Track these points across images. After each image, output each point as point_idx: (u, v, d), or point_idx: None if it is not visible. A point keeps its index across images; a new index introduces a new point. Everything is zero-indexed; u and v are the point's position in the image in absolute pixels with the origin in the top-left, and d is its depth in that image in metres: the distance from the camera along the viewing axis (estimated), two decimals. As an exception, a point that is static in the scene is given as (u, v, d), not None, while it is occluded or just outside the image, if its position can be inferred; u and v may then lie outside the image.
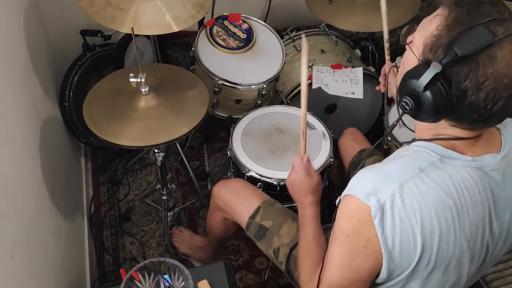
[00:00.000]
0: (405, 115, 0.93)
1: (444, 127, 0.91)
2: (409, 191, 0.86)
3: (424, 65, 0.85)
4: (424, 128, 0.96)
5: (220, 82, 1.77)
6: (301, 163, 1.26)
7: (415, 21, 0.95)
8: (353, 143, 1.68)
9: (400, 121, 0.99)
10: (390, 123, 1.77)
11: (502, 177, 0.93)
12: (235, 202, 1.49)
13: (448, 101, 0.83)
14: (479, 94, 0.81)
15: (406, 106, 0.89)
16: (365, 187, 0.88)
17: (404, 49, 0.94)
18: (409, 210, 0.86)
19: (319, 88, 1.90)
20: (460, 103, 0.83)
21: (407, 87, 0.88)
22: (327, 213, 2.19)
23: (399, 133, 1.75)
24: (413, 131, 1.03)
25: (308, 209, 1.23)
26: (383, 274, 0.92)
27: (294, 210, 1.68)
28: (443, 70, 0.82)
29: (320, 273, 1.00)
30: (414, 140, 0.97)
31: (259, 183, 1.61)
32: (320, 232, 1.21)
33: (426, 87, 0.84)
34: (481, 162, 0.91)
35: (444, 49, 0.82)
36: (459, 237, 0.90)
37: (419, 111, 0.88)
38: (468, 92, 0.81)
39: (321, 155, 1.66)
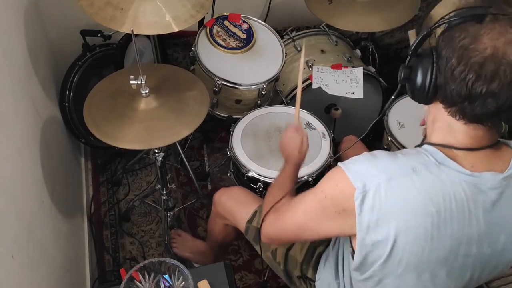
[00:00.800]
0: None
1: (448, 126, 0.91)
2: (395, 187, 0.88)
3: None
4: (435, 127, 0.95)
5: (220, 82, 1.77)
6: (291, 126, 1.40)
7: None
8: (351, 150, 1.68)
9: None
10: (390, 123, 1.77)
11: (498, 197, 0.90)
12: (235, 208, 1.52)
13: (432, 70, 0.86)
14: (453, 59, 0.82)
15: (400, 73, 0.93)
16: (358, 169, 0.91)
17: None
18: (390, 204, 0.87)
19: (319, 88, 1.90)
20: (440, 72, 0.86)
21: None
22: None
23: (399, 133, 1.75)
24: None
25: (294, 158, 1.33)
26: (357, 258, 0.95)
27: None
28: (437, 41, 0.86)
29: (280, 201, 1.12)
30: (423, 143, 0.96)
31: (259, 183, 1.62)
32: (294, 179, 1.30)
33: (414, 51, 0.89)
34: (479, 179, 0.89)
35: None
36: (436, 247, 0.90)
37: (409, 79, 0.91)
38: (447, 58, 0.84)
39: (321, 155, 1.66)
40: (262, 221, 1.16)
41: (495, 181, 0.90)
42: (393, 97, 1.02)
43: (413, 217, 0.87)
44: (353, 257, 0.98)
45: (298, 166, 1.34)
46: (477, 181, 0.89)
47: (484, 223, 0.91)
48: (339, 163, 0.95)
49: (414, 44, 0.89)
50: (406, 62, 0.91)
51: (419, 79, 0.89)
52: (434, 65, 0.86)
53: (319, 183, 0.99)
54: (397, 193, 0.87)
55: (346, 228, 0.94)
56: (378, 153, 0.94)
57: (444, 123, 0.92)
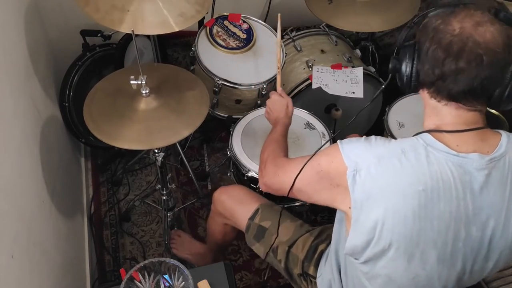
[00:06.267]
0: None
1: (435, 110, 0.96)
2: (384, 168, 0.92)
3: None
4: (426, 113, 0.99)
5: (220, 82, 1.77)
6: (275, 92, 1.53)
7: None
8: None
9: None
10: (390, 123, 1.77)
11: (485, 179, 0.92)
12: (235, 206, 1.52)
13: (413, 57, 0.94)
14: (426, 42, 0.91)
15: (390, 65, 1.01)
16: (352, 149, 0.97)
17: None
18: (379, 184, 0.92)
19: (319, 88, 1.90)
20: (420, 58, 0.93)
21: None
22: (327, 213, 2.20)
23: (399, 133, 1.75)
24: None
25: (282, 119, 1.45)
26: (351, 240, 0.98)
27: (293, 210, 1.69)
28: (416, 31, 0.95)
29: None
30: (416, 133, 0.99)
31: (259, 183, 1.61)
32: (286, 135, 1.43)
33: (402, 44, 0.97)
34: (466, 159, 0.91)
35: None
36: (424, 227, 0.92)
37: (398, 70, 0.97)
38: (423, 43, 0.92)
39: (321, 155, 1.66)
40: (260, 171, 1.28)
41: (481, 162, 0.92)
42: (383, 86, 1.08)
43: (401, 197, 0.90)
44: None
45: (287, 127, 1.45)
46: (463, 161, 0.91)
47: (472, 205, 0.93)
48: (338, 141, 1.00)
49: (403, 38, 0.97)
50: (394, 54, 0.99)
51: (404, 67, 0.96)
52: (415, 52, 0.93)
53: (317, 155, 1.04)
54: (386, 174, 0.91)
55: (338, 201, 1.00)
56: (373, 137, 0.99)
57: (430, 108, 0.97)
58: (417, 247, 0.94)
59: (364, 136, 0.99)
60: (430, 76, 0.91)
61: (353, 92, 1.90)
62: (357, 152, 0.95)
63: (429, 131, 0.95)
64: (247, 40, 1.89)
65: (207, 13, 1.53)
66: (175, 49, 2.52)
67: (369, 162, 0.93)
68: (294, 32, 2.16)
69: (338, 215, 1.16)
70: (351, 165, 0.93)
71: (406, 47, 0.96)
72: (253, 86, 1.81)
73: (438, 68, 0.89)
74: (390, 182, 0.91)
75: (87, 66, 1.97)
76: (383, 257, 0.96)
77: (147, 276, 1.13)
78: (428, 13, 0.95)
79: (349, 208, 0.95)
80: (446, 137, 0.94)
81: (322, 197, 1.05)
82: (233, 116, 1.91)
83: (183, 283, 1.12)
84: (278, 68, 1.60)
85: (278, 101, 1.49)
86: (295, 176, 1.07)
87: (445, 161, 0.91)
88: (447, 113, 0.95)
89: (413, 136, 0.97)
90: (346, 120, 2.04)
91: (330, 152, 1.01)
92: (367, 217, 0.93)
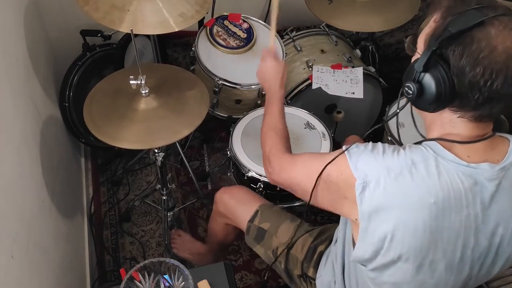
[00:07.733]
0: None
1: (450, 123, 0.92)
2: (394, 180, 0.89)
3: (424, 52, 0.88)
4: (432, 126, 0.96)
5: (220, 82, 1.77)
6: (269, 53, 1.43)
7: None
8: None
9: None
10: (390, 123, 1.77)
11: (496, 188, 0.91)
12: (236, 207, 1.52)
13: (448, 82, 0.85)
14: (476, 69, 0.82)
15: (408, 90, 0.92)
16: (360, 160, 0.93)
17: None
18: (389, 197, 0.89)
19: (319, 88, 1.90)
20: (460, 82, 0.85)
21: (409, 74, 0.91)
22: (327, 212, 2.20)
23: (400, 133, 1.74)
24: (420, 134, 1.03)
25: (277, 92, 1.37)
26: (359, 250, 0.96)
27: (293, 210, 1.69)
28: (440, 50, 0.85)
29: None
30: (423, 140, 0.97)
31: (259, 183, 1.62)
32: (284, 113, 1.35)
33: (426, 67, 0.87)
34: (476, 169, 0.90)
35: (440, 32, 0.86)
36: (434, 238, 0.90)
37: (422, 95, 0.90)
38: (466, 69, 0.83)
39: (321, 155, 1.66)
40: (265, 167, 1.24)
41: (492, 172, 0.90)
42: (398, 110, 1.01)
43: (411, 210, 0.88)
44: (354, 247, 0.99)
45: (282, 102, 1.37)
46: (474, 172, 0.90)
47: (482, 214, 0.92)
48: (345, 150, 0.96)
49: (424, 60, 0.87)
50: (415, 78, 0.90)
51: (433, 91, 0.87)
52: (450, 75, 0.85)
53: (328, 166, 0.99)
54: (396, 186, 0.89)
55: (345, 212, 0.98)
56: (380, 145, 0.95)
57: (445, 121, 0.93)
58: (427, 257, 0.93)
59: (371, 143, 0.96)
60: (481, 102, 0.85)
61: (353, 92, 1.90)
62: (365, 162, 0.92)
63: (437, 139, 0.92)
64: (248, 40, 1.89)
65: (207, 13, 1.54)
66: (175, 49, 2.52)
67: (379, 174, 0.89)
68: (294, 32, 2.16)
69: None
70: (360, 176, 0.91)
71: (431, 70, 0.87)
72: (253, 86, 1.81)
73: (495, 93, 0.83)
74: (400, 195, 0.89)
75: (87, 66, 1.97)
76: (392, 267, 0.95)
77: (147, 276, 1.13)
78: (452, 32, 0.84)
79: (356, 219, 0.93)
80: (456, 147, 0.91)
81: (329, 206, 1.03)
82: (233, 116, 1.91)
83: (183, 283, 1.12)
84: (276, 19, 1.42)
85: (272, 67, 1.39)
86: (300, 176, 1.06)
87: (455, 171, 0.89)
88: (461, 126, 0.91)
89: (419, 142, 0.95)
90: (345, 120, 2.04)
91: (339, 163, 0.97)
92: (376, 228, 0.91)
